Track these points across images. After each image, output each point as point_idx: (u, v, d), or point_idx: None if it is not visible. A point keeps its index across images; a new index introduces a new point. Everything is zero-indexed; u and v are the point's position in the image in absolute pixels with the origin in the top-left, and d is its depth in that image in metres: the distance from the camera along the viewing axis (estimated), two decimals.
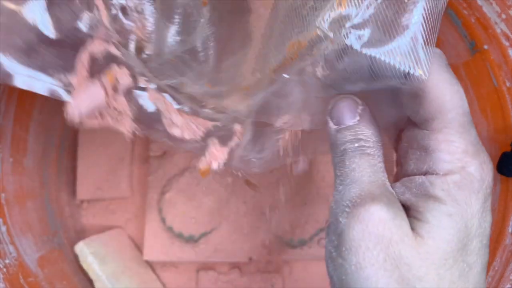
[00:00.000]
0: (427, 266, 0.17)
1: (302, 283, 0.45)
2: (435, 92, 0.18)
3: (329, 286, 0.20)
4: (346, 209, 0.18)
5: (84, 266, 0.41)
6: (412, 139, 0.20)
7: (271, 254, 0.41)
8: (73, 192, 0.47)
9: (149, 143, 0.45)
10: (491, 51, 0.35)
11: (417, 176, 0.19)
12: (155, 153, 0.44)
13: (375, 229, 0.17)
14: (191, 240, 0.41)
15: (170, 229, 0.41)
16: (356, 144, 0.20)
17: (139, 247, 0.46)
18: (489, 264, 0.34)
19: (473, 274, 0.18)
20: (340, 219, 0.18)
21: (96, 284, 0.40)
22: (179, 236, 0.41)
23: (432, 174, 0.18)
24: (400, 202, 0.19)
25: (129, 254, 0.44)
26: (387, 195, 0.19)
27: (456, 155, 0.18)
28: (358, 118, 0.20)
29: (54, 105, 0.45)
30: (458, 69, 0.38)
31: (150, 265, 0.45)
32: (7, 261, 0.35)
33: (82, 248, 0.41)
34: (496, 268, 0.34)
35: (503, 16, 0.33)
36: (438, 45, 0.42)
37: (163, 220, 0.42)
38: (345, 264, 0.18)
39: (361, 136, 0.20)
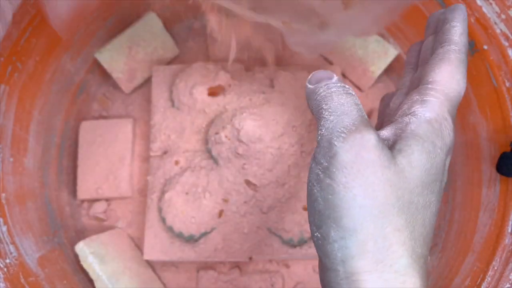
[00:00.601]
0: (403, 189, 0.20)
1: (302, 283, 0.45)
2: (454, 67, 0.23)
3: None
4: (342, 135, 0.20)
5: (84, 266, 0.41)
6: (414, 91, 0.23)
7: (271, 254, 0.41)
8: (73, 192, 0.47)
9: (149, 143, 0.45)
10: (490, 51, 0.35)
11: (407, 116, 0.22)
12: (155, 153, 0.44)
13: (368, 154, 0.20)
14: (191, 239, 0.41)
15: (170, 229, 0.41)
16: (339, 84, 0.22)
17: (139, 247, 0.46)
18: (489, 263, 0.34)
19: (431, 211, 0.21)
20: (335, 143, 0.20)
21: (96, 284, 0.40)
22: (179, 235, 0.41)
23: (421, 116, 0.22)
24: (387, 138, 0.22)
25: (129, 254, 0.44)
26: (373, 128, 0.21)
27: (443, 112, 0.22)
28: (335, 79, 0.23)
29: (54, 105, 0.45)
30: None
31: (150, 264, 0.45)
32: (7, 260, 0.35)
33: (82, 248, 0.41)
34: (496, 268, 0.34)
35: (503, 16, 0.33)
36: None
37: (163, 220, 0.42)
38: (333, 183, 0.20)
39: (343, 84, 0.23)
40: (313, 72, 0.24)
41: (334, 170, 0.20)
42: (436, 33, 0.26)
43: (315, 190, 0.21)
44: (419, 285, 0.20)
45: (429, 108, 0.22)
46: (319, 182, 0.20)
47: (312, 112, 0.24)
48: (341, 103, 0.21)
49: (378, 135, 0.21)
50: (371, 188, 0.19)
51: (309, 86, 0.24)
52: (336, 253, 0.20)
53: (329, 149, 0.20)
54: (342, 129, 0.20)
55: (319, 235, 0.21)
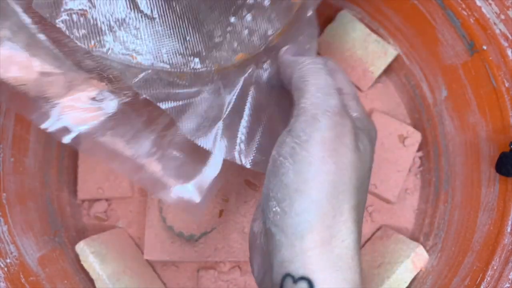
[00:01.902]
0: (363, 172, 0.22)
1: None
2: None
3: None
4: (328, 113, 0.21)
5: (85, 265, 0.41)
6: None
7: None
8: (74, 191, 0.47)
9: None
10: (490, 51, 0.35)
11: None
12: None
13: (345, 137, 0.21)
14: (191, 239, 0.41)
15: (170, 229, 0.41)
16: (324, 67, 0.23)
17: (139, 247, 0.46)
18: (488, 263, 0.34)
19: (366, 196, 0.23)
20: (320, 118, 0.21)
21: (97, 283, 0.40)
22: (180, 235, 0.41)
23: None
24: None
25: (129, 253, 0.44)
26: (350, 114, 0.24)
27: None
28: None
29: None
30: (456, 70, 0.38)
31: (150, 264, 0.45)
32: (8, 260, 0.35)
33: (83, 248, 0.41)
34: (495, 267, 0.34)
35: (502, 16, 0.33)
36: (437, 45, 0.42)
37: (163, 220, 0.42)
38: (310, 157, 0.20)
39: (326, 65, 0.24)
40: (289, 45, 0.24)
41: (313, 143, 0.20)
42: None
43: (287, 164, 0.20)
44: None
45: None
46: (294, 155, 0.20)
47: (283, 81, 0.24)
48: (328, 84, 0.22)
49: (354, 122, 0.22)
50: (342, 167, 0.20)
51: (289, 56, 0.24)
52: (297, 227, 0.20)
53: (312, 124, 0.21)
54: (328, 108, 0.21)
55: (278, 209, 0.21)
